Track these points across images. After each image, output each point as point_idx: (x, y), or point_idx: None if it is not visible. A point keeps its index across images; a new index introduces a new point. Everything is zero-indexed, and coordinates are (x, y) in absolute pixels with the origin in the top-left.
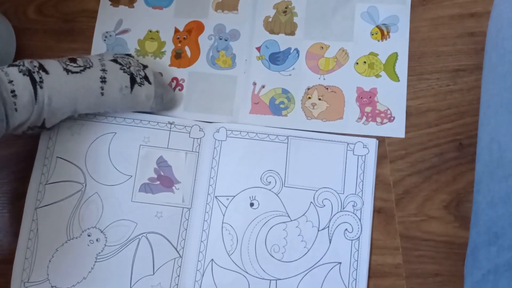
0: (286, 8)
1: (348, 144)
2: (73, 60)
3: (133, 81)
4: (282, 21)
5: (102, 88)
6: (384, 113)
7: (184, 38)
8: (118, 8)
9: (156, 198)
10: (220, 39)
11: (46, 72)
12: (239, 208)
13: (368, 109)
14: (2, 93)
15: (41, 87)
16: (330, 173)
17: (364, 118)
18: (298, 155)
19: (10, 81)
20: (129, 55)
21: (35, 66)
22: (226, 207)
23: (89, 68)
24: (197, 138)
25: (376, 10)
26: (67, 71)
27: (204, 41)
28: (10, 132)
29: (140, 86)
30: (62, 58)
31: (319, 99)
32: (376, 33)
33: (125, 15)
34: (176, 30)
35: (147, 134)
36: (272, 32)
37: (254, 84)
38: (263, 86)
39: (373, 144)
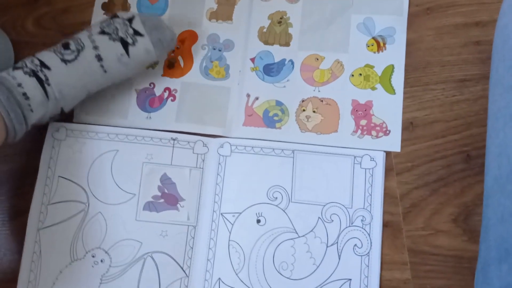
0: (281, 18)
1: (355, 157)
2: (66, 46)
3: (125, 45)
4: (277, 32)
5: (102, 66)
6: (380, 126)
7: (177, 47)
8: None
9: (161, 216)
10: (214, 49)
11: (48, 68)
12: (245, 225)
13: (363, 122)
14: (16, 97)
15: (48, 84)
16: (337, 187)
17: (359, 131)
18: (304, 169)
19: (19, 84)
20: (114, 16)
21: (37, 65)
22: (233, 224)
23: (82, 50)
24: (201, 154)
25: (372, 21)
26: (65, 61)
27: (198, 51)
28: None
29: (134, 45)
30: (56, 45)
31: (314, 111)
32: (372, 45)
33: None
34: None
35: (150, 151)
36: (266, 42)
37: (248, 95)
38: (257, 98)
39: (380, 156)
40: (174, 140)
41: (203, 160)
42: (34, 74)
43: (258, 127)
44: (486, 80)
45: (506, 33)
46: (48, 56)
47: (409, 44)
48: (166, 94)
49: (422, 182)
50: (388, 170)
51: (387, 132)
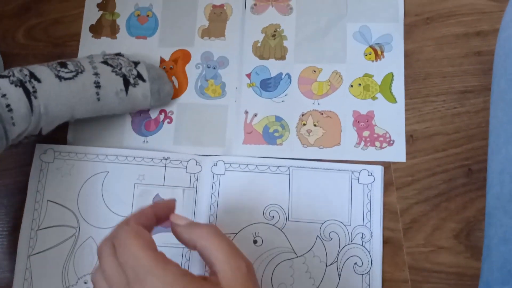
0: (275, 31)
1: (352, 172)
2: (64, 65)
3: (126, 83)
4: (272, 46)
5: (97, 94)
6: (383, 137)
7: (171, 68)
8: (100, 39)
9: (155, 239)
10: (208, 67)
11: (38, 80)
12: (242, 246)
13: (366, 133)
14: None
15: (35, 97)
16: (335, 204)
17: (363, 143)
18: (301, 186)
19: (3, 95)
20: (119, 54)
21: (26, 75)
22: None
23: (81, 72)
24: (194, 173)
25: (369, 29)
26: (59, 77)
27: (192, 70)
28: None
29: (135, 86)
30: (51, 62)
31: (315, 125)
32: (370, 54)
33: (108, 47)
34: (162, 60)
35: (141, 172)
36: (262, 57)
37: (246, 113)
38: (256, 115)
39: (378, 171)
40: (166, 159)
41: (197, 180)
42: (21, 84)
43: (259, 145)
44: (488, 92)
45: (509, 46)
46: (40, 69)
47: (408, 55)
48: (162, 117)
49: (422, 197)
50: (388, 185)
51: (391, 142)
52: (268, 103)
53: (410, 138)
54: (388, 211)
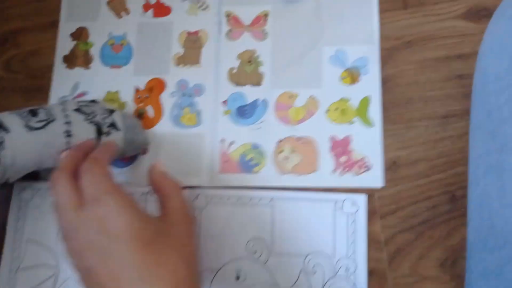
0: (250, 57)
1: (336, 201)
2: (35, 113)
3: (99, 131)
4: (248, 72)
5: (68, 143)
6: (361, 162)
7: (146, 97)
8: (74, 70)
9: None
10: (184, 95)
11: (7, 130)
12: (224, 283)
13: (343, 158)
14: None
15: (3, 148)
16: (319, 235)
17: (340, 169)
18: (284, 218)
19: None
20: (93, 101)
21: None
22: (211, 282)
23: (52, 121)
24: None
25: (344, 52)
26: (29, 127)
27: (167, 99)
28: None
29: (108, 135)
30: (22, 110)
31: (292, 151)
32: (346, 77)
33: (82, 77)
34: (137, 90)
35: None
36: (238, 83)
37: (223, 141)
38: (232, 143)
39: (362, 200)
40: (146, 194)
41: None
42: None
43: (235, 173)
44: (469, 116)
45: (486, 76)
46: (9, 118)
47: (389, 79)
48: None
49: (407, 225)
50: (372, 213)
51: (369, 167)
52: (244, 130)
53: (393, 165)
54: (372, 241)
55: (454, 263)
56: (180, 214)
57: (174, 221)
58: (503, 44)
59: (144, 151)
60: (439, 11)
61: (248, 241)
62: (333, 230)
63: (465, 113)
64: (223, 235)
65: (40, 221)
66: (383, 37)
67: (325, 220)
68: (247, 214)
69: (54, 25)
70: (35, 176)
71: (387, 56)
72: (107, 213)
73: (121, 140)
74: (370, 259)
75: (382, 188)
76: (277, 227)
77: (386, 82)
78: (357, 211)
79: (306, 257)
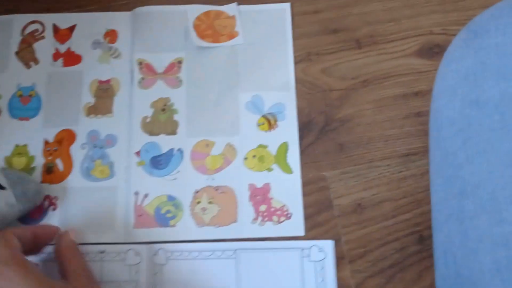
0: (164, 105)
1: (302, 249)
2: None
3: None
4: (162, 120)
5: None
6: (281, 210)
7: (55, 149)
8: None
9: None
10: (95, 147)
11: None
12: None
13: (263, 207)
14: None
15: None
16: (287, 285)
17: (260, 218)
18: (250, 270)
19: None
20: None
21: None
22: None
23: None
24: (134, 265)
25: (261, 98)
26: None
27: (77, 151)
28: None
29: None
30: None
31: (210, 202)
32: (263, 124)
33: None
34: (46, 142)
35: None
36: (151, 133)
37: (136, 194)
38: (146, 195)
39: (329, 246)
40: (102, 253)
41: (137, 272)
42: None
43: (151, 228)
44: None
45: (440, 120)
46: None
47: (348, 119)
48: (46, 204)
49: (376, 269)
50: (340, 258)
51: (289, 215)
52: (159, 181)
53: (358, 207)
54: (342, 287)
55: None
56: (83, 275)
57: (78, 283)
58: (453, 87)
59: (42, 202)
60: (392, 49)
61: None
62: (302, 279)
63: (426, 151)
64: None
65: None
66: (340, 77)
67: (293, 269)
68: (211, 269)
69: None
70: None
71: (345, 96)
72: (8, 284)
73: (11, 197)
74: None
75: (349, 231)
76: (243, 280)
77: (346, 122)
78: (324, 258)
79: None
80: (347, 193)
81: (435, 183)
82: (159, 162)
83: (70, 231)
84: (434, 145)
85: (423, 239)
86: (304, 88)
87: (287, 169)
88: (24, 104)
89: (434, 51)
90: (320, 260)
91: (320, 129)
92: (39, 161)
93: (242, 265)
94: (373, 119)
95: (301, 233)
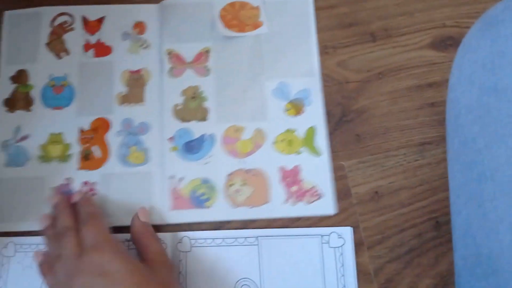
0: (194, 93)
1: (322, 236)
2: None
3: None
4: (192, 108)
5: None
6: (311, 190)
7: (91, 137)
8: (15, 113)
9: None
10: (129, 134)
11: None
12: None
13: (294, 188)
14: None
15: None
16: (308, 271)
17: (292, 198)
18: (271, 256)
19: None
20: None
21: None
22: None
23: None
24: None
25: (287, 85)
26: None
27: (113, 139)
28: None
29: None
30: None
31: (242, 184)
32: (290, 109)
33: (23, 120)
34: (81, 130)
35: None
36: (183, 120)
37: (172, 178)
38: (181, 179)
39: (348, 232)
40: (128, 241)
41: None
42: None
43: (187, 209)
44: (445, 142)
45: (457, 108)
46: None
47: (365, 111)
48: (85, 189)
49: (394, 255)
50: (359, 245)
51: (319, 195)
52: (193, 166)
53: (376, 195)
54: (361, 273)
55: None
56: (160, 260)
57: (157, 266)
58: (471, 76)
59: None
60: (406, 42)
61: (237, 282)
62: (322, 265)
63: (441, 140)
64: (210, 278)
65: (22, 277)
66: (355, 70)
67: (313, 256)
68: (234, 255)
69: None
70: (17, 231)
71: (360, 88)
72: (105, 258)
73: None
74: None
75: (367, 219)
76: (265, 266)
77: (362, 114)
78: (343, 244)
79: None
80: (364, 181)
81: (453, 169)
82: (192, 147)
83: (140, 212)
84: (452, 133)
85: (439, 225)
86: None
87: (316, 152)
88: (57, 93)
89: (447, 43)
90: (339, 246)
91: (337, 120)
92: (75, 148)
93: (264, 252)
94: (389, 110)
95: (332, 211)
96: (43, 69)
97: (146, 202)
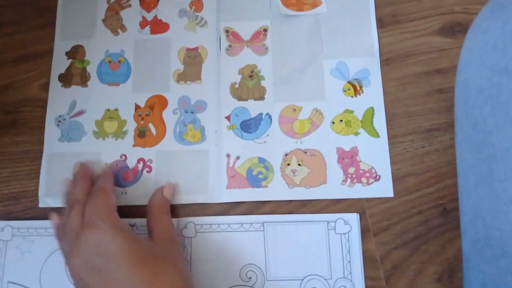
0: (251, 72)
1: (328, 222)
2: None
3: None
4: (250, 86)
5: None
6: (369, 172)
7: (147, 114)
8: (70, 88)
9: None
10: (186, 112)
11: None
12: None
13: (351, 170)
14: None
15: None
16: (314, 257)
17: (349, 180)
18: (277, 242)
19: None
20: None
21: None
22: None
23: None
24: None
25: (345, 65)
26: None
27: (169, 116)
28: None
29: None
30: None
31: (299, 164)
32: (349, 89)
33: (79, 96)
34: (137, 107)
35: None
36: (240, 98)
37: (228, 156)
38: (238, 157)
39: (354, 219)
40: (133, 226)
41: None
42: None
43: (243, 188)
44: (453, 129)
45: (467, 90)
46: None
47: None
48: (140, 166)
49: (401, 241)
50: (365, 231)
51: (377, 177)
52: (250, 144)
53: None
54: (368, 259)
55: (451, 276)
56: (166, 235)
57: (163, 241)
58: (481, 57)
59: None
60: (414, 28)
61: (242, 268)
62: (328, 251)
63: (449, 126)
64: (215, 264)
65: (21, 262)
66: None
67: (319, 242)
68: (240, 241)
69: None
70: (14, 215)
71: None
72: (102, 238)
73: None
74: (366, 277)
75: (374, 205)
76: (271, 252)
77: None
78: (350, 230)
79: (302, 280)
80: None
81: (463, 151)
82: (249, 126)
83: (166, 186)
84: (461, 115)
85: (446, 212)
86: None
87: (374, 133)
88: (114, 70)
89: (456, 29)
90: (345, 233)
91: None
92: (131, 125)
93: (270, 238)
94: (396, 96)
95: (390, 194)
96: (99, 45)
97: (202, 180)
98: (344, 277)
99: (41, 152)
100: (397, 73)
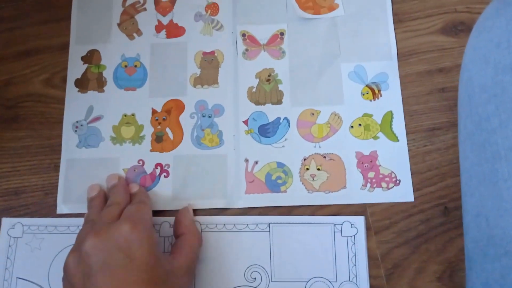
0: (269, 76)
1: (334, 225)
2: None
3: None
4: (267, 90)
5: None
6: (389, 177)
7: (164, 119)
8: (87, 94)
9: None
10: (204, 116)
11: None
12: None
13: (371, 174)
14: None
15: None
16: (319, 259)
17: (369, 184)
18: (283, 243)
19: None
20: None
21: None
22: None
23: None
24: (168, 236)
25: (363, 68)
26: None
27: (186, 121)
28: None
29: None
30: None
31: (318, 169)
32: (367, 93)
33: (95, 101)
34: (154, 111)
35: None
36: (258, 103)
37: (246, 161)
38: (256, 162)
39: (361, 222)
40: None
41: (171, 243)
42: None
43: (262, 193)
44: (455, 128)
45: (471, 88)
46: None
47: None
48: (158, 171)
49: (402, 240)
50: (366, 230)
51: (397, 182)
52: (268, 149)
53: None
54: (368, 258)
55: (452, 275)
56: (190, 267)
57: (181, 270)
58: (485, 55)
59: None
60: (417, 27)
61: (246, 269)
62: (333, 254)
63: (451, 125)
64: (220, 263)
65: (30, 259)
66: None
67: (325, 244)
68: (245, 241)
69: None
70: (24, 212)
71: None
72: (134, 236)
73: None
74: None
75: (375, 204)
76: (276, 253)
77: None
78: (356, 233)
79: (307, 282)
80: None
81: (466, 149)
82: (267, 130)
83: (190, 207)
84: (465, 114)
85: (447, 211)
86: None
87: (393, 137)
88: (130, 74)
89: (458, 28)
90: (352, 236)
91: None
92: (148, 130)
93: (276, 239)
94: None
95: (411, 199)
96: (115, 49)
97: (220, 185)
98: (349, 280)
99: (42, 147)
100: (399, 71)
